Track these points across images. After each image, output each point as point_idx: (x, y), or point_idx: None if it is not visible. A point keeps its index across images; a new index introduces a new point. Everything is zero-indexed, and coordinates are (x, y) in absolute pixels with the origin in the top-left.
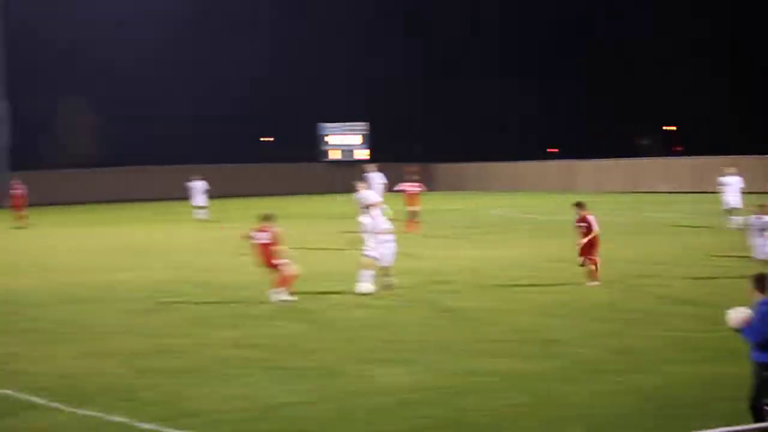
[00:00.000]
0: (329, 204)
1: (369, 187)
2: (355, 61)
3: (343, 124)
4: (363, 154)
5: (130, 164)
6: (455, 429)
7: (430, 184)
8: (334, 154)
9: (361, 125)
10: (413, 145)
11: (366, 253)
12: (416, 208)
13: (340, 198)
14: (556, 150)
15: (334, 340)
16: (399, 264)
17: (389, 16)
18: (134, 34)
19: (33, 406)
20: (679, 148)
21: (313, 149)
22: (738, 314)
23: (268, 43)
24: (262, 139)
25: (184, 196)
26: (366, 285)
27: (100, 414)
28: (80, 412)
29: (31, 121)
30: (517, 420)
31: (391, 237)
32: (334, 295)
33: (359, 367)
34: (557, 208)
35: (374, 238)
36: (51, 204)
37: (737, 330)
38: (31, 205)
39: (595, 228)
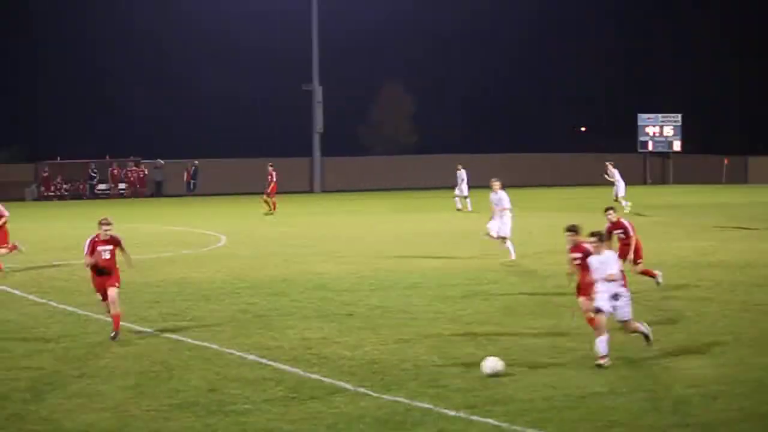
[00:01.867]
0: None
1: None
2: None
3: (660, 115)
4: (677, 145)
5: (441, 152)
6: (763, 422)
7: (740, 176)
8: (650, 145)
9: (675, 116)
10: (727, 136)
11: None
12: None
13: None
14: None
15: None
16: (706, 257)
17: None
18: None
19: (339, 391)
20: None
21: (629, 139)
22: None
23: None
24: (579, 129)
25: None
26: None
27: (405, 400)
28: (386, 397)
29: (344, 106)
30: None
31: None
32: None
33: (665, 359)
34: None
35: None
36: (363, 190)
37: None
38: (340, 191)
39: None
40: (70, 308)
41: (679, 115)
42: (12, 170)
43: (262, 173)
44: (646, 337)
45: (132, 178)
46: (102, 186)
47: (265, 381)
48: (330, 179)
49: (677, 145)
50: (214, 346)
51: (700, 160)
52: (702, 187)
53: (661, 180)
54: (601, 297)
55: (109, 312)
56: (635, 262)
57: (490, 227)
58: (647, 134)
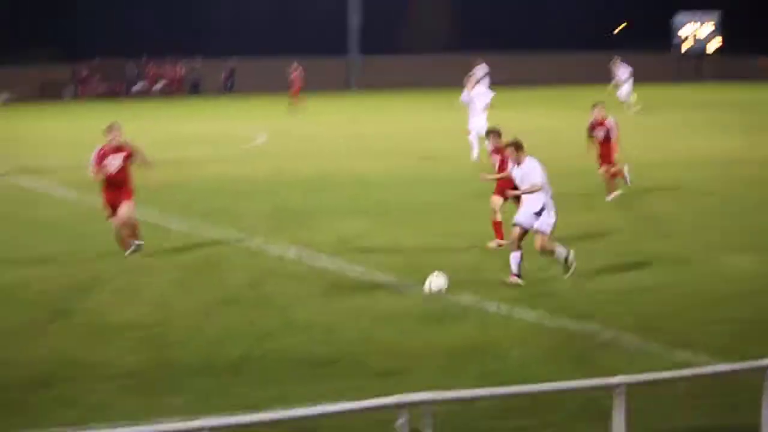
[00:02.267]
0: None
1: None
2: None
3: (696, 12)
4: (715, 44)
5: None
6: None
7: None
8: (687, 44)
9: (713, 14)
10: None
11: None
12: None
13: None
14: None
15: (688, 225)
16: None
17: None
18: None
19: (380, 286)
20: None
21: (664, 38)
22: None
23: None
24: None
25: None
26: None
27: (446, 294)
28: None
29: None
30: None
31: None
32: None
33: (708, 254)
34: None
35: None
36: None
37: None
38: (377, 89)
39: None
40: None
41: (717, 12)
42: (49, 70)
43: (308, 71)
44: (566, 260)
45: (169, 77)
46: (139, 85)
47: (305, 276)
48: (368, 78)
49: (714, 45)
50: (255, 243)
51: (737, 60)
52: (736, 85)
53: (696, 79)
54: (523, 211)
55: (119, 232)
56: (606, 163)
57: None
58: (683, 34)
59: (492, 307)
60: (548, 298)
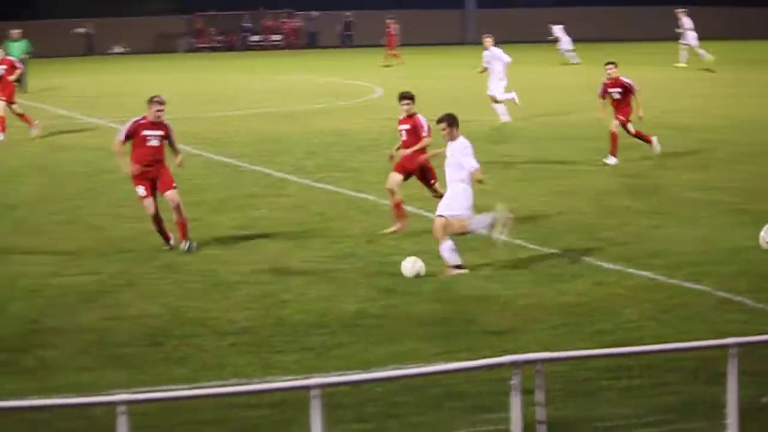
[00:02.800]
0: None
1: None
2: None
3: None
4: None
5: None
6: None
7: None
8: None
9: None
10: None
11: None
12: None
13: None
14: None
15: None
16: None
17: None
18: None
19: (493, 244)
20: None
21: None
22: None
23: None
24: None
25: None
26: None
27: (562, 252)
28: (544, 250)
29: None
30: None
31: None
32: None
33: None
34: None
35: None
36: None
37: None
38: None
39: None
40: (225, 159)
41: None
42: (165, 22)
43: (424, 25)
44: (494, 226)
45: (286, 30)
46: (255, 37)
47: (423, 232)
48: (485, 31)
49: None
50: (371, 198)
51: None
52: None
53: None
54: (452, 200)
55: (156, 217)
56: (623, 122)
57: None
58: None
59: (606, 265)
60: (662, 257)
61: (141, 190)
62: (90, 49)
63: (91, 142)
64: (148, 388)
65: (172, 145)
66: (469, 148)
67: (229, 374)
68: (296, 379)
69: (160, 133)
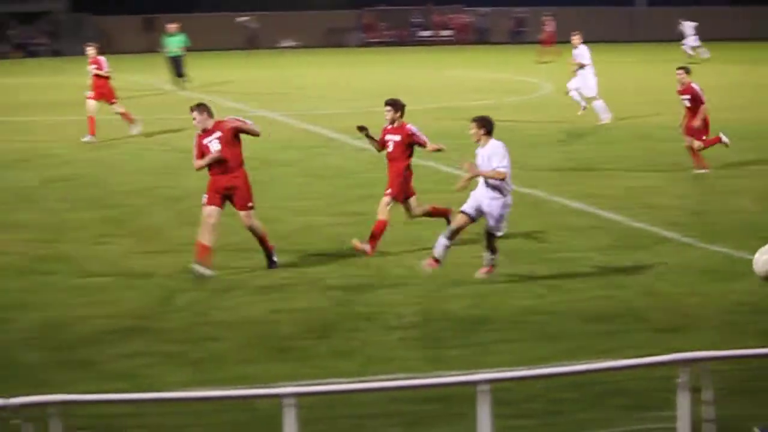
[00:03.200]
0: None
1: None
2: None
3: None
4: None
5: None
6: None
7: None
8: None
9: None
10: None
11: None
12: None
13: None
14: None
15: None
16: None
17: None
18: None
19: (665, 240)
20: None
21: None
22: None
23: None
24: None
25: None
26: None
27: (730, 251)
28: (712, 248)
29: None
30: None
31: None
32: None
33: None
34: None
35: None
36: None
37: None
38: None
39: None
40: None
41: None
42: (334, 16)
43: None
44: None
45: (455, 25)
46: (425, 33)
47: (590, 229)
48: (653, 29)
49: None
50: (540, 194)
51: None
52: None
53: None
54: (472, 199)
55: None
56: (698, 137)
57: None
58: None
59: None
60: None
61: (207, 203)
62: (252, 42)
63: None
64: (313, 381)
65: (243, 131)
66: (503, 149)
67: (396, 368)
68: (463, 374)
69: (215, 137)
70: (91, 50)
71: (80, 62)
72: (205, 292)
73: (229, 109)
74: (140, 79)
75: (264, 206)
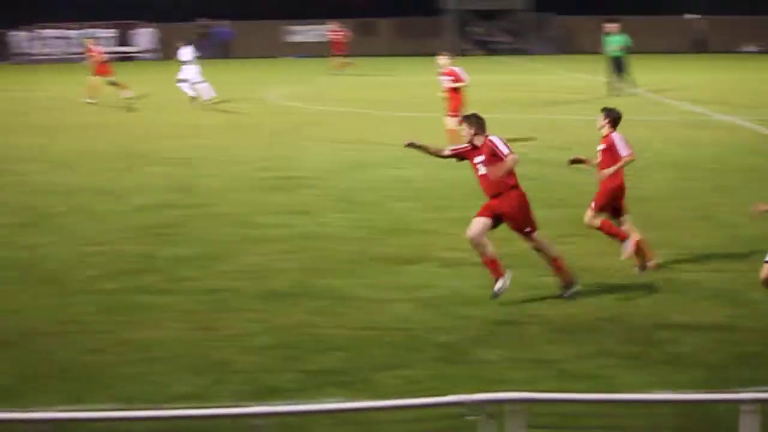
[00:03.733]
0: None
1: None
2: None
3: None
4: None
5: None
6: None
7: None
8: None
9: None
10: None
11: None
12: None
13: None
14: None
15: None
16: None
17: None
18: None
19: None
20: None
21: None
22: None
23: None
24: None
25: None
26: None
27: None
28: None
29: None
30: None
31: None
32: None
33: None
34: None
35: None
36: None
37: None
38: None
39: None
40: None
41: None
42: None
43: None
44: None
45: None
46: None
47: None
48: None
49: None
50: None
51: None
52: None
53: None
54: None
55: (485, 254)
56: None
57: None
58: None
59: None
60: None
61: (479, 228)
62: (701, 44)
63: (722, 139)
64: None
65: (501, 165)
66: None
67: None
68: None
69: (481, 158)
70: (444, 59)
71: (543, 62)
72: (663, 294)
73: (685, 113)
74: (592, 78)
75: (726, 211)
